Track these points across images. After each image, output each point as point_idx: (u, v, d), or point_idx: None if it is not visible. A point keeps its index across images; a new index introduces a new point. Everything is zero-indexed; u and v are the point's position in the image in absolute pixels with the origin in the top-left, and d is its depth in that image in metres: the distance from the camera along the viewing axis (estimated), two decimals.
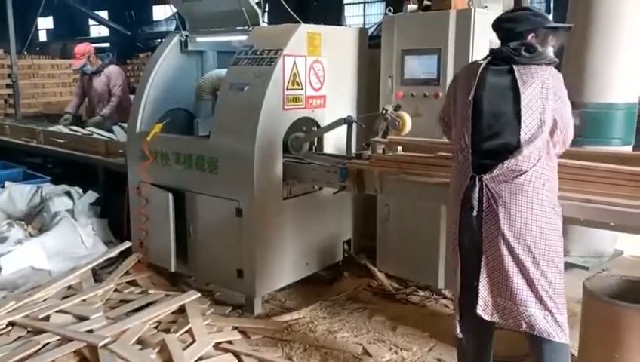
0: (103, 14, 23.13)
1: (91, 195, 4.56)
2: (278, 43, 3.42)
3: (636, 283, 2.66)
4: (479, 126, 2.16)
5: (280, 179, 3.44)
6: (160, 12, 21.79)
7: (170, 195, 3.63)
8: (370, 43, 4.05)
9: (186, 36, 4.18)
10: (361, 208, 4.07)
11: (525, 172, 2.08)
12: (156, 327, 3.11)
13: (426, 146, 3.32)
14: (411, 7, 3.69)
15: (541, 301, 2.07)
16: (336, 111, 3.65)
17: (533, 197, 2.08)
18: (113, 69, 6.12)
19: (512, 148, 2.08)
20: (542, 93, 2.10)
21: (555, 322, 2.08)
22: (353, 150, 3.51)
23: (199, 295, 3.37)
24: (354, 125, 3.51)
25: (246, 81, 3.39)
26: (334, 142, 3.73)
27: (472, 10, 3.37)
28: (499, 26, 2.33)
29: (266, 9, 14.92)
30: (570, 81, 4.00)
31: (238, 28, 3.88)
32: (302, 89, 3.52)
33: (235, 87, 3.44)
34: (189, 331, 2.98)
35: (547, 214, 2.09)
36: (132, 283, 3.68)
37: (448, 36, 3.43)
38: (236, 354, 2.85)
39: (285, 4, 4.09)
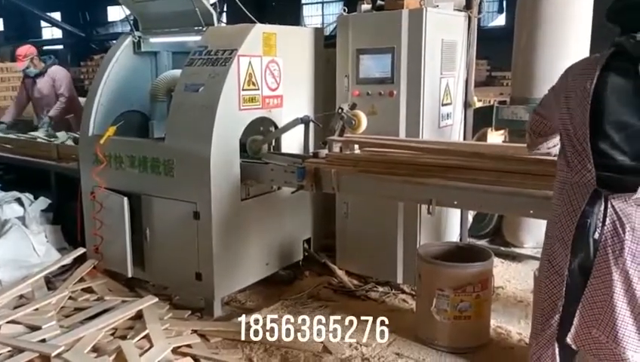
0: (56, 15, 22.45)
1: (43, 201, 4.42)
2: (233, 43, 3.40)
3: None
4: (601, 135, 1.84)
5: (238, 180, 3.41)
6: (115, 13, 21.31)
7: (126, 199, 3.56)
8: (326, 42, 4.07)
9: (139, 37, 4.11)
10: (320, 207, 4.08)
11: None
12: (112, 334, 3.04)
13: (383, 144, 3.37)
14: (365, 6, 3.74)
15: None
16: (294, 111, 3.66)
17: None
18: (57, 70, 5.92)
19: None
20: None
21: None
22: (311, 149, 3.52)
23: (157, 299, 3.31)
24: (311, 124, 3.52)
25: (201, 81, 3.36)
26: (293, 141, 3.73)
27: (424, 9, 3.43)
28: (622, 7, 1.88)
29: (225, 9, 14.82)
30: (520, 79, 4.17)
31: (192, 28, 3.84)
32: (258, 89, 3.51)
33: (189, 88, 3.40)
34: (147, 336, 2.92)
35: None
36: (87, 290, 3.58)
37: (401, 35, 3.48)
38: (195, 358, 2.82)
39: (242, 5, 4.07)
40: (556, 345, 1.95)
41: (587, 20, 3.99)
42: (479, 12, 3.80)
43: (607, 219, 1.81)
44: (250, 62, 3.43)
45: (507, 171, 2.69)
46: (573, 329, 1.89)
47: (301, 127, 3.51)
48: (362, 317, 3.27)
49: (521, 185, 2.56)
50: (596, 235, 1.82)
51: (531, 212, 2.59)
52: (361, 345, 2.98)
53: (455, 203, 2.86)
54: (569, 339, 1.91)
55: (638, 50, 1.78)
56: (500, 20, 16.58)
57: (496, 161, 2.78)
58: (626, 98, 1.78)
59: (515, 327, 3.13)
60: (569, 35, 3.93)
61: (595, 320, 1.85)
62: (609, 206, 1.81)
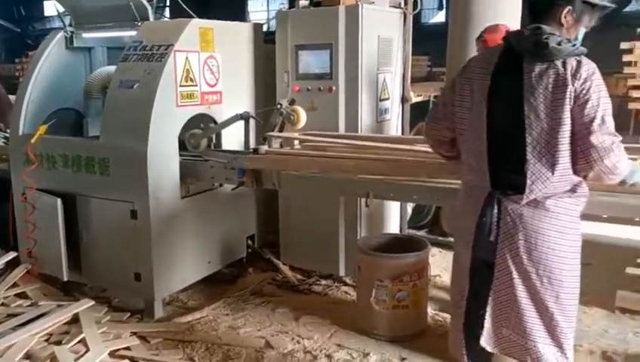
0: None
1: None
2: (169, 38, 3.34)
3: None
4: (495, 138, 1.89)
5: (177, 178, 3.36)
6: (52, 7, 20.40)
7: (59, 200, 3.44)
8: (266, 38, 4.06)
9: (72, 32, 3.97)
10: (264, 203, 4.08)
11: (551, 196, 1.84)
12: (47, 340, 2.94)
13: (322, 140, 3.40)
14: (303, 2, 3.75)
15: (554, 337, 1.88)
16: (234, 107, 3.63)
17: (556, 223, 1.85)
18: None
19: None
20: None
21: (565, 358, 1.90)
22: (252, 145, 3.51)
23: (93, 302, 3.22)
24: (251, 120, 3.51)
25: (136, 77, 3.28)
26: (233, 138, 3.70)
27: (360, 6, 3.48)
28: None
29: (167, 4, 14.49)
30: (454, 74, 4.29)
31: (127, 23, 3.74)
32: (196, 85, 3.46)
33: (124, 85, 3.32)
34: (83, 341, 2.85)
35: (568, 242, 1.87)
36: (21, 295, 3.44)
37: (338, 32, 3.52)
38: (134, 360, 2.77)
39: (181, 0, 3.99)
40: (462, 334, 2.04)
41: (517, 17, 4.15)
42: (414, 9, 3.89)
43: (502, 220, 1.87)
44: (187, 58, 3.38)
45: (440, 164, 2.79)
46: (485, 332, 1.95)
47: (242, 124, 3.49)
48: (305, 311, 3.31)
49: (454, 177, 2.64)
50: (492, 237, 1.88)
51: None
52: (303, 339, 3.01)
53: (391, 195, 2.94)
54: (483, 342, 1.96)
55: (521, 45, 1.83)
56: (440, 17, 16.98)
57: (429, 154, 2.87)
58: (509, 101, 1.83)
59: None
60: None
61: (504, 319, 1.92)
62: (502, 208, 1.86)
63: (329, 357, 2.83)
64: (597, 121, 1.75)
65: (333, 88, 3.60)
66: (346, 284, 3.67)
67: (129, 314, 3.29)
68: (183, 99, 3.37)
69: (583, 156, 1.78)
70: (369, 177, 2.84)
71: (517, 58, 1.84)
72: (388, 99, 3.84)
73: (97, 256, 3.47)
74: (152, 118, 3.16)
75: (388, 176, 2.80)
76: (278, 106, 3.42)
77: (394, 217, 4.06)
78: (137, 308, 3.37)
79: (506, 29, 3.23)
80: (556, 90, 1.77)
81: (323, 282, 3.72)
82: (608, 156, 1.76)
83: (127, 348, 2.88)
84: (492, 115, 1.88)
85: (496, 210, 1.87)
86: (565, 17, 1.85)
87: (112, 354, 2.80)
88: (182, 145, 3.53)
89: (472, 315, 1.98)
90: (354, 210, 3.64)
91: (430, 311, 3.21)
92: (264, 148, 3.34)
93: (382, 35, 3.70)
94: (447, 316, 3.21)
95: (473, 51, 4.06)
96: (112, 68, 3.75)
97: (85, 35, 4.01)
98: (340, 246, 3.68)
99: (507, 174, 1.87)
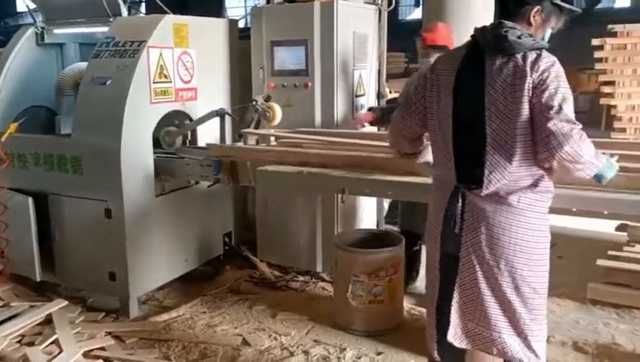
0: None
1: None
2: (142, 34, 3.30)
3: None
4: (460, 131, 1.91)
5: (151, 175, 3.33)
6: (24, 3, 19.99)
7: (31, 200, 3.38)
8: (242, 34, 4.04)
9: (42, 28, 3.89)
10: (241, 200, 4.06)
11: (514, 191, 1.85)
12: (19, 341, 2.90)
13: (298, 136, 3.40)
14: None
15: (517, 327, 1.90)
16: (209, 104, 3.60)
17: (521, 218, 1.85)
18: None
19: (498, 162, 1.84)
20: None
21: (530, 348, 1.91)
22: (228, 142, 3.49)
23: (66, 303, 3.19)
24: (227, 117, 3.49)
25: (108, 74, 3.23)
26: (209, 135, 3.67)
27: (335, 2, 3.48)
28: None
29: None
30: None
31: (99, 19, 3.69)
32: (170, 81, 3.43)
33: (96, 81, 3.27)
34: (56, 342, 2.81)
35: (534, 238, 1.88)
36: None
37: (314, 28, 3.52)
38: (109, 360, 2.74)
39: None
40: (434, 330, 2.06)
41: (490, 13, 4.21)
42: (389, 5, 3.90)
43: (465, 214, 1.89)
44: (161, 54, 3.34)
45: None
46: (451, 328, 1.96)
47: (218, 121, 3.47)
48: (282, 308, 3.32)
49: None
50: (456, 230, 1.90)
51: None
52: (280, 335, 3.01)
53: (367, 191, 2.94)
54: (450, 337, 1.97)
55: (485, 40, 1.87)
56: (417, 14, 17.10)
57: None
58: (472, 95, 1.86)
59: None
60: (472, 23, 4.12)
61: (469, 313, 1.94)
62: (466, 201, 1.89)
63: (306, 353, 2.84)
64: (555, 108, 1.76)
65: (309, 84, 3.60)
66: (323, 280, 3.68)
67: (104, 313, 3.25)
68: (156, 96, 3.33)
69: (544, 144, 1.78)
70: (344, 174, 2.84)
71: (481, 53, 1.87)
72: (364, 95, 3.86)
73: (71, 256, 3.42)
74: (125, 115, 3.12)
75: (363, 173, 2.81)
76: (254, 103, 3.40)
77: (371, 213, 4.08)
78: (113, 307, 3.33)
79: (444, 27, 3.28)
80: (515, 81, 1.79)
81: (300, 278, 3.72)
82: (567, 142, 1.75)
83: (102, 348, 2.85)
84: (457, 110, 1.90)
85: (460, 204, 1.90)
86: (534, 17, 1.88)
87: (86, 355, 2.76)
88: (157, 143, 3.50)
89: (441, 311, 2.01)
90: (331, 207, 3.65)
91: (406, 305, 3.24)
92: (239, 144, 3.33)
93: (357, 31, 3.71)
94: (423, 310, 3.25)
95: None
96: (84, 64, 3.69)
97: (56, 31, 3.95)
98: (317, 243, 3.69)
99: (470, 167, 1.89)
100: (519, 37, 1.81)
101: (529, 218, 1.87)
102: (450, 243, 1.94)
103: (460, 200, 1.90)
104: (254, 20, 3.77)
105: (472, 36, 1.96)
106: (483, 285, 1.89)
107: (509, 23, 1.85)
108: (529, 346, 1.90)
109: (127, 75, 3.17)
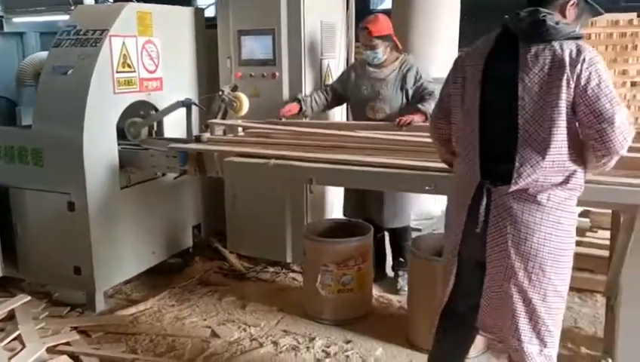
0: None
1: None
2: (104, 22, 3.23)
3: None
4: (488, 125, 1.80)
5: (116, 167, 3.27)
6: None
7: None
8: (209, 23, 3.98)
9: (1, 17, 3.79)
10: (210, 191, 4.02)
11: (544, 188, 1.73)
12: None
13: (266, 127, 3.37)
14: None
15: (539, 335, 1.80)
16: (175, 94, 3.55)
17: (550, 218, 1.74)
18: None
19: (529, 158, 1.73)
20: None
21: (548, 358, 1.83)
22: (196, 133, 3.44)
23: (29, 298, 3.11)
24: (194, 108, 3.44)
25: (70, 63, 3.16)
26: (176, 126, 3.62)
27: None
28: None
29: None
30: None
31: (60, 7, 3.59)
32: (134, 71, 3.36)
33: (57, 71, 3.19)
34: (19, 338, 2.74)
35: (561, 239, 1.77)
36: None
37: (280, 17, 3.49)
38: (73, 355, 2.69)
39: None
40: (441, 321, 2.01)
41: (456, 2, 4.27)
42: None
43: (491, 212, 1.78)
44: (124, 43, 3.27)
45: (381, 148, 2.83)
46: (479, 319, 1.91)
47: (184, 111, 3.42)
48: (252, 299, 3.30)
49: (400, 157, 2.66)
50: (480, 229, 1.79)
51: (401, 186, 2.70)
52: (249, 326, 3.00)
53: (334, 181, 2.94)
54: (478, 325, 1.93)
55: (518, 26, 1.75)
56: (389, 3, 17.07)
57: (371, 139, 2.90)
58: (503, 85, 1.75)
59: (395, 296, 3.30)
60: (440, 22, 4.17)
61: (495, 310, 1.85)
62: (492, 199, 1.77)
63: (275, 343, 2.84)
64: (609, 112, 1.66)
65: (277, 74, 3.57)
66: (293, 271, 3.68)
67: (69, 308, 3.19)
68: (120, 86, 3.27)
69: (599, 137, 1.68)
70: (312, 164, 2.83)
71: (513, 40, 1.76)
72: None
73: (34, 251, 3.34)
74: (88, 106, 3.05)
75: (331, 162, 2.81)
76: (220, 93, 3.36)
77: (341, 203, 4.07)
78: (79, 302, 3.27)
79: (385, 18, 3.30)
80: (552, 70, 1.68)
81: (271, 269, 3.71)
82: (623, 147, 1.70)
83: (67, 343, 2.79)
84: (485, 101, 1.79)
85: (485, 201, 1.78)
86: (569, 10, 1.80)
87: (50, 350, 2.70)
88: (122, 134, 3.44)
89: (459, 306, 1.95)
90: (300, 198, 3.64)
91: (375, 293, 3.26)
92: (206, 135, 3.28)
93: (325, 20, 3.69)
94: (392, 297, 3.30)
95: (416, 36, 4.13)
96: (46, 54, 3.59)
97: (16, 19, 3.88)
98: (287, 234, 3.68)
99: (497, 162, 1.77)
100: (557, 23, 1.71)
101: (558, 217, 1.76)
102: (472, 244, 1.83)
103: (485, 198, 1.78)
104: (221, 9, 3.72)
105: (502, 25, 1.83)
106: (508, 288, 1.78)
107: (545, 10, 1.75)
108: (546, 354, 1.82)
109: (89, 64, 3.10)
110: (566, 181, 1.74)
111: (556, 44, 1.69)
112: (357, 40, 4.05)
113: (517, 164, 1.72)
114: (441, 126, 2.02)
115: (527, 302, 1.77)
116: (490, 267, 1.82)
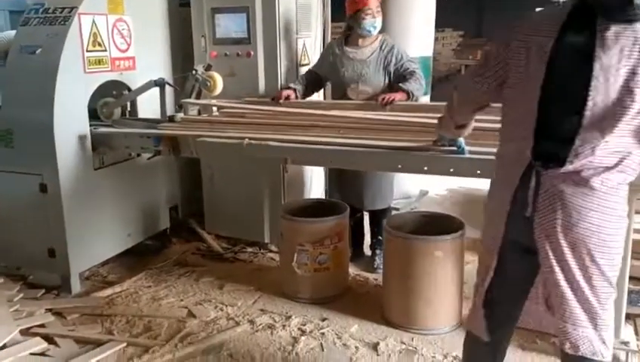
0: None
1: None
2: (73, 0, 3.14)
3: (427, 217, 3.00)
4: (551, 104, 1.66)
5: (88, 148, 3.22)
6: None
7: None
8: (183, 1, 3.91)
9: None
10: (187, 172, 3.99)
11: (597, 172, 1.64)
12: None
13: (241, 106, 3.35)
14: None
15: (592, 320, 1.74)
16: (148, 73, 3.48)
17: (602, 203, 1.66)
18: None
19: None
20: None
21: (601, 340, 1.76)
22: (170, 113, 3.40)
23: (2, 280, 3.09)
24: (167, 87, 3.39)
25: (38, 42, 3.08)
26: (149, 106, 3.57)
27: None
28: None
29: None
30: None
31: None
32: (105, 50, 3.30)
33: (25, 50, 3.11)
34: None
35: (614, 224, 1.69)
36: None
37: None
38: (48, 337, 2.67)
39: None
40: (482, 311, 1.90)
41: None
42: None
43: (540, 196, 1.69)
44: (94, 21, 3.20)
45: (357, 128, 2.83)
46: (527, 306, 1.86)
47: (158, 91, 3.36)
48: (229, 279, 3.31)
49: (374, 139, 2.66)
50: (528, 213, 1.71)
51: (374, 164, 2.70)
52: (226, 306, 3.01)
53: (308, 160, 2.94)
54: (524, 312, 1.88)
55: (602, 3, 1.60)
56: None
57: (346, 118, 2.89)
58: (575, 62, 1.63)
59: (371, 274, 3.33)
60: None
61: (544, 297, 1.80)
62: (541, 181, 1.68)
63: (252, 322, 2.85)
64: None
65: (252, 53, 3.53)
66: (271, 251, 3.69)
67: (44, 291, 3.17)
68: (91, 65, 3.20)
69: None
70: (286, 144, 2.82)
71: (590, 15, 1.62)
72: (308, 64, 3.80)
73: (6, 233, 3.28)
74: (57, 86, 2.99)
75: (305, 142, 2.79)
76: (194, 72, 3.32)
77: (319, 183, 4.08)
78: (54, 284, 3.24)
79: None
80: (633, 53, 1.56)
81: (249, 250, 3.72)
82: None
83: (42, 325, 2.78)
84: (551, 77, 1.65)
85: (533, 183, 1.69)
86: None
87: (24, 333, 2.69)
88: (95, 115, 3.38)
89: (501, 295, 1.87)
90: (277, 177, 3.63)
91: (352, 272, 3.29)
92: (180, 115, 3.25)
93: None
94: (369, 276, 3.33)
95: (391, 15, 4.09)
96: (14, 32, 3.50)
97: None
98: (265, 214, 3.67)
99: (552, 143, 1.67)
100: None
101: (611, 202, 1.68)
102: (518, 228, 1.75)
103: (534, 180, 1.69)
104: None
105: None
106: (556, 272, 1.71)
107: None
108: (602, 338, 1.76)
109: (58, 43, 3.03)
110: (619, 162, 1.65)
111: (639, 26, 1.57)
112: (334, 20, 4.03)
113: (577, 143, 1.62)
114: (484, 91, 1.87)
115: (575, 285, 1.71)
116: (539, 252, 1.74)
